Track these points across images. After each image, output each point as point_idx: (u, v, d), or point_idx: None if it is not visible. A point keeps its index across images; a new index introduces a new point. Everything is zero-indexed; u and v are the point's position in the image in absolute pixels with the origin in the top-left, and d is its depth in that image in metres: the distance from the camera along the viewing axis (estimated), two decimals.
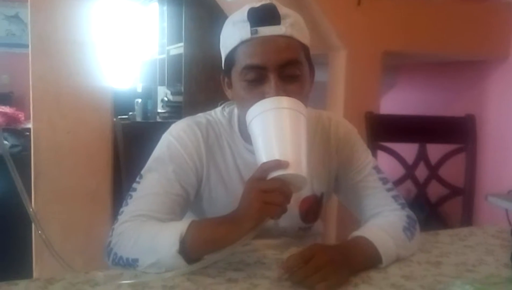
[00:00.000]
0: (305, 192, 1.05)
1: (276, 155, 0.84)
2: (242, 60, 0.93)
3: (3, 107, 3.41)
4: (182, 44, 3.55)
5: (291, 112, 0.88)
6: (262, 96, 0.91)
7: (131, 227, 0.92)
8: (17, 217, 1.73)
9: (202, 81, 3.42)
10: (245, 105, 0.93)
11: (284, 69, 0.92)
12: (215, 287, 0.83)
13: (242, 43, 0.92)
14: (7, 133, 2.50)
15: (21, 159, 1.63)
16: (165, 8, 4.15)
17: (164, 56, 4.21)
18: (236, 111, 1.08)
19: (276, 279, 0.87)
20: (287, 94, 0.90)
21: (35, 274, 1.55)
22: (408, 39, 2.03)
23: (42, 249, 1.52)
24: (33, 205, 1.51)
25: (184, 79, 3.53)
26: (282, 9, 0.94)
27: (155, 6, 4.54)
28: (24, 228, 1.55)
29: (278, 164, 0.83)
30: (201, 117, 1.08)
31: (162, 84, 4.30)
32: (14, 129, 2.57)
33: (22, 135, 2.33)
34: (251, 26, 0.91)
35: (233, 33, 0.94)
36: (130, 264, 0.89)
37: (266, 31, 0.91)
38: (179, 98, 3.69)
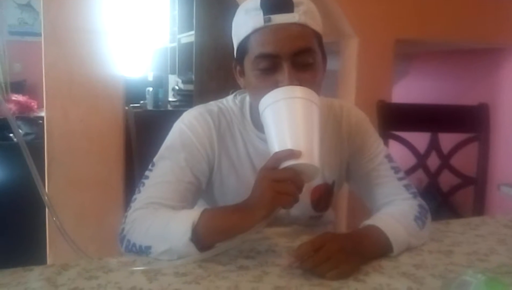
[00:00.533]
0: (317, 180, 1.05)
1: (288, 144, 0.84)
2: (255, 49, 0.93)
3: (16, 95, 3.46)
4: (193, 32, 3.54)
5: (304, 102, 0.88)
6: (275, 85, 0.90)
7: (144, 214, 0.93)
8: (31, 204, 1.75)
9: (213, 69, 3.42)
10: (258, 94, 0.93)
11: (297, 57, 0.92)
12: (227, 274, 0.84)
13: (255, 31, 0.92)
14: (20, 121, 2.53)
15: (35, 147, 1.64)
16: None
17: (175, 44, 4.21)
18: (247, 99, 1.08)
19: (287, 267, 0.87)
20: (300, 82, 0.90)
21: (49, 260, 1.58)
22: (420, 27, 2.01)
23: (56, 235, 1.54)
24: (46, 192, 1.53)
25: (195, 68, 3.53)
26: None
27: None
28: (38, 214, 1.57)
29: (291, 154, 0.83)
30: (212, 105, 1.09)
31: (173, 72, 4.30)
32: (27, 117, 2.60)
33: (35, 123, 2.35)
34: (264, 14, 0.91)
35: (245, 21, 0.93)
36: (143, 251, 0.90)
37: (279, 19, 0.91)
38: (190, 87, 3.69)
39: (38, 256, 1.57)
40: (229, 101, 1.10)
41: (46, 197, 0.72)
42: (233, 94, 1.12)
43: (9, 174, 2.26)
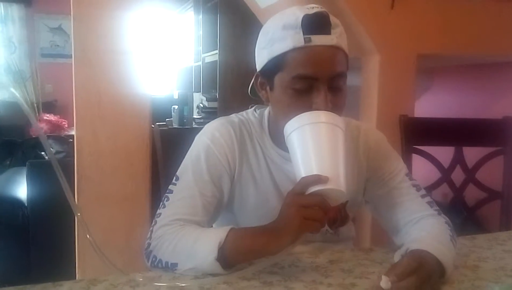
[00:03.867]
0: None
1: (314, 169, 0.85)
2: (293, 68, 0.92)
3: (47, 115, 3.57)
4: (217, 51, 3.61)
5: (329, 126, 0.88)
6: (310, 106, 0.91)
7: (169, 231, 0.94)
8: (61, 220, 1.80)
9: (237, 87, 3.46)
10: (288, 112, 0.92)
11: (333, 81, 0.92)
12: (251, 289, 0.85)
13: (294, 50, 0.91)
14: (52, 140, 2.61)
15: (65, 164, 1.70)
16: (200, 16, 4.22)
17: (200, 63, 4.29)
18: (266, 113, 1.09)
19: (310, 282, 0.88)
20: (333, 105, 0.91)
21: (78, 275, 1.60)
22: (443, 41, 2.00)
23: (85, 250, 1.58)
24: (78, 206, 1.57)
25: (219, 86, 3.59)
26: (332, 18, 0.93)
27: (191, 15, 4.63)
28: (67, 230, 1.61)
29: (318, 179, 0.84)
30: (233, 117, 1.10)
31: (197, 90, 4.37)
32: (58, 136, 2.68)
33: (65, 141, 2.42)
34: (304, 34, 0.90)
35: (283, 37, 0.92)
36: (169, 267, 0.91)
37: (319, 40, 0.90)
38: (214, 104, 3.75)
39: (68, 270, 1.60)
40: (249, 114, 1.11)
41: (79, 214, 0.75)
42: (253, 108, 1.13)
43: (40, 191, 2.33)
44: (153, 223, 0.99)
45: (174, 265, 0.90)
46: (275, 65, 0.95)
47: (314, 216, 0.84)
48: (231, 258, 0.88)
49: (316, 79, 0.91)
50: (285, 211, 0.87)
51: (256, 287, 0.86)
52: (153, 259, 0.94)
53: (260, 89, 1.03)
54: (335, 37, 0.92)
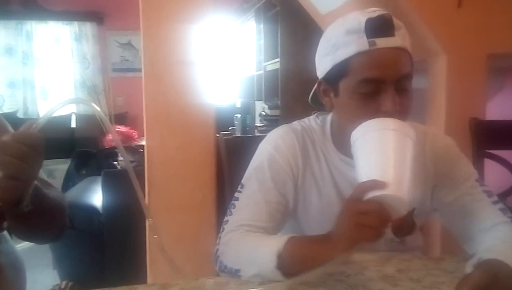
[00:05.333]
0: None
1: (375, 175, 0.81)
2: (359, 73, 0.91)
3: (119, 126, 3.74)
4: (278, 59, 3.64)
5: (397, 134, 0.85)
6: (377, 109, 0.90)
7: (234, 237, 0.97)
8: (133, 226, 1.89)
9: (298, 94, 3.47)
10: (354, 117, 0.91)
11: (400, 82, 0.91)
12: None
13: (359, 54, 0.91)
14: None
15: (136, 173, 1.78)
16: (261, 26, 4.28)
17: (261, 72, 4.34)
18: (329, 119, 1.09)
19: None
20: (401, 107, 0.90)
21: (149, 279, 1.67)
22: None
23: (156, 256, 1.64)
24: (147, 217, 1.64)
25: (280, 93, 3.61)
26: (395, 20, 0.92)
27: (252, 24, 4.70)
28: (139, 236, 1.69)
29: (375, 184, 0.79)
30: (296, 124, 1.11)
31: (259, 99, 4.42)
32: (129, 147, 2.80)
33: (136, 151, 2.52)
34: (368, 37, 0.90)
35: (347, 43, 0.92)
36: (233, 273, 0.93)
37: (383, 43, 0.90)
38: (276, 112, 3.77)
39: (140, 275, 1.67)
40: (311, 121, 1.11)
41: (150, 219, 0.79)
42: (315, 115, 1.13)
43: (114, 198, 2.45)
44: (221, 229, 1.02)
45: (238, 271, 0.92)
46: (340, 71, 0.94)
47: (370, 223, 0.79)
48: (290, 265, 0.88)
49: (382, 82, 0.90)
50: (340, 218, 0.84)
51: None
52: (220, 264, 0.96)
53: (323, 96, 1.03)
54: (399, 39, 0.91)
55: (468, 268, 0.90)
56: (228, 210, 1.03)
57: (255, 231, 0.98)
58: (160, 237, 1.60)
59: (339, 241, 0.83)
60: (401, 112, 0.90)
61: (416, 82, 1.02)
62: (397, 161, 0.84)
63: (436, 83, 1.95)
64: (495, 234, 0.96)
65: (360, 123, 0.88)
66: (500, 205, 1.02)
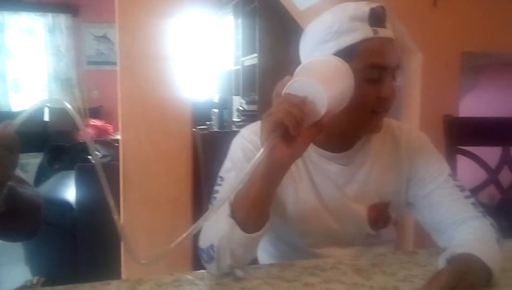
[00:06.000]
0: (372, 199, 1.06)
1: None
2: (367, 58, 0.94)
3: (94, 120, 3.69)
4: (256, 55, 3.64)
5: (339, 62, 0.90)
6: (377, 95, 0.95)
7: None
8: (107, 222, 1.86)
9: None
10: (355, 103, 0.91)
11: (395, 71, 0.96)
12: None
13: (365, 41, 0.94)
14: (98, 144, 2.70)
15: (111, 168, 1.76)
16: (239, 20, 4.27)
17: (239, 67, 4.33)
18: None
19: (352, 285, 0.87)
20: (395, 95, 0.95)
21: (123, 275, 1.65)
22: (488, 38, 1.94)
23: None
24: (122, 211, 1.62)
25: (258, 89, 3.61)
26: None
27: (230, 19, 4.68)
28: (113, 232, 1.66)
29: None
30: None
31: (237, 94, 4.42)
32: (104, 141, 2.77)
33: (111, 146, 2.50)
34: (371, 26, 0.94)
35: (352, 29, 0.94)
36: (209, 253, 0.90)
37: (382, 32, 0.95)
38: (254, 107, 3.78)
39: (114, 271, 1.65)
40: None
41: (115, 216, 0.78)
42: None
43: (88, 193, 2.42)
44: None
45: (211, 246, 0.90)
46: (344, 56, 0.94)
47: (286, 105, 0.79)
48: (239, 206, 0.87)
49: (385, 69, 0.94)
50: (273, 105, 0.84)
51: (297, 288, 0.86)
52: (199, 252, 0.94)
53: None
54: (391, 31, 0.96)
55: (440, 262, 0.92)
56: (209, 205, 1.02)
57: None
58: (133, 234, 1.59)
59: (264, 128, 0.81)
60: (394, 99, 0.95)
61: None
62: (332, 73, 0.87)
63: (411, 80, 1.98)
64: (466, 229, 0.98)
65: (358, 110, 0.94)
66: (472, 200, 1.05)
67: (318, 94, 0.81)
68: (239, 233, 0.87)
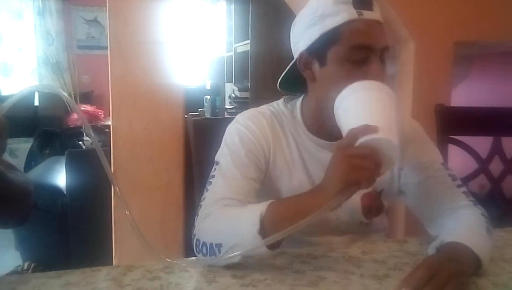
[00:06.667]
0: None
1: (363, 122, 0.82)
2: (351, 39, 0.94)
3: (84, 105, 3.66)
4: (248, 41, 3.61)
5: (379, 89, 0.89)
6: (364, 77, 0.92)
7: (213, 212, 0.94)
8: (98, 207, 1.86)
9: (268, 77, 3.46)
10: (342, 85, 0.91)
11: (383, 53, 0.95)
12: (283, 278, 0.85)
13: (349, 22, 0.94)
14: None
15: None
16: (232, 6, 4.22)
17: (232, 53, 4.30)
18: (298, 103, 1.10)
19: (343, 272, 0.88)
20: (384, 77, 0.94)
21: (114, 261, 1.65)
22: (481, 28, 1.94)
23: (121, 238, 1.62)
24: (112, 197, 1.61)
25: (250, 76, 3.59)
26: None
27: (223, 4, 4.63)
28: (104, 217, 1.66)
29: (367, 128, 0.80)
30: (264, 108, 1.11)
31: (229, 81, 4.39)
32: (95, 126, 2.75)
33: (102, 131, 2.48)
34: (355, 8, 0.94)
35: (336, 12, 0.95)
36: (213, 250, 0.88)
37: (368, 15, 0.94)
38: (246, 94, 3.76)
39: (105, 257, 1.65)
40: (280, 105, 1.12)
41: (118, 191, 0.78)
42: (283, 99, 1.13)
43: (78, 179, 2.40)
44: (198, 207, 0.99)
45: (219, 245, 0.87)
46: (329, 39, 0.96)
47: (366, 165, 0.78)
48: (274, 225, 0.83)
49: (371, 50, 0.94)
50: (332, 163, 0.83)
51: (288, 275, 0.86)
52: (197, 243, 0.92)
53: (304, 69, 1.03)
54: (377, 14, 0.96)
55: (430, 250, 0.93)
56: (205, 189, 1.01)
57: (233, 205, 0.96)
58: (124, 220, 1.58)
59: (331, 183, 0.81)
60: (383, 81, 0.93)
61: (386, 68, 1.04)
62: (384, 111, 0.86)
63: (404, 69, 1.98)
64: (457, 217, 0.99)
65: None
66: (464, 189, 1.05)
67: (392, 150, 0.81)
68: (262, 249, 0.83)
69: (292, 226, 0.78)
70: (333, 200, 0.79)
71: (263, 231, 0.84)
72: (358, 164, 0.79)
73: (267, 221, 0.85)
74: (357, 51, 0.93)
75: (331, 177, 0.83)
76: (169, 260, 0.89)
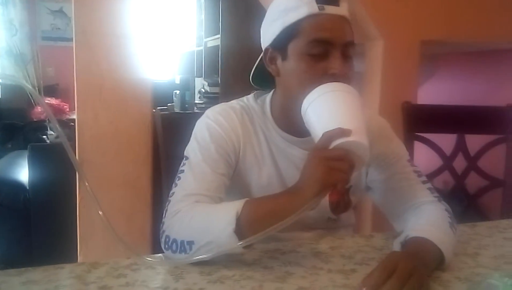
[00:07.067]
0: None
1: (336, 125, 0.84)
2: (309, 33, 0.94)
3: (49, 98, 3.55)
4: (219, 36, 3.58)
5: (347, 93, 0.90)
6: (325, 71, 0.93)
7: (184, 208, 0.92)
8: (62, 203, 1.81)
9: (239, 72, 3.44)
10: (303, 79, 0.94)
11: (346, 48, 0.95)
12: (251, 274, 0.85)
13: (310, 16, 0.94)
14: (52, 124, 2.60)
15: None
16: (203, 0, 4.18)
17: (202, 48, 4.26)
18: (268, 98, 1.10)
19: (310, 268, 0.88)
20: (346, 72, 0.94)
21: (79, 258, 1.61)
22: (447, 27, 1.98)
23: (86, 234, 1.59)
24: (77, 192, 1.57)
25: (221, 71, 3.56)
26: None
27: None
28: (68, 213, 1.62)
29: (341, 132, 0.82)
30: (234, 103, 1.10)
31: (199, 75, 4.35)
32: (59, 120, 2.67)
33: (67, 125, 2.41)
34: (317, 3, 0.94)
35: (297, 6, 0.95)
36: (184, 247, 0.87)
37: (331, 10, 0.94)
38: (216, 89, 3.73)
39: (69, 254, 1.61)
40: (250, 100, 1.11)
41: (88, 186, 0.76)
42: (253, 94, 1.13)
43: (41, 174, 2.34)
44: (167, 203, 0.96)
45: (191, 243, 0.86)
46: (290, 33, 0.96)
47: (341, 167, 0.81)
48: (250, 226, 0.83)
49: (331, 44, 0.93)
50: (307, 166, 0.84)
51: (256, 271, 0.86)
52: (166, 239, 0.90)
53: (269, 64, 1.03)
54: (344, 9, 0.96)
55: (396, 245, 0.94)
56: (173, 183, 0.99)
57: (204, 201, 0.94)
58: (90, 216, 1.55)
59: (308, 186, 0.82)
60: (346, 77, 0.94)
61: (354, 66, 1.04)
62: (354, 114, 0.88)
63: (372, 67, 2.00)
64: (421, 213, 1.01)
65: (308, 87, 0.91)
66: (429, 185, 1.07)
67: (363, 151, 0.85)
68: (237, 248, 0.83)
69: (270, 228, 0.79)
70: (311, 202, 0.81)
71: (239, 230, 0.84)
72: (335, 166, 0.81)
73: (243, 220, 0.84)
74: (316, 44, 0.94)
75: (308, 179, 0.83)
76: (150, 259, 0.88)
